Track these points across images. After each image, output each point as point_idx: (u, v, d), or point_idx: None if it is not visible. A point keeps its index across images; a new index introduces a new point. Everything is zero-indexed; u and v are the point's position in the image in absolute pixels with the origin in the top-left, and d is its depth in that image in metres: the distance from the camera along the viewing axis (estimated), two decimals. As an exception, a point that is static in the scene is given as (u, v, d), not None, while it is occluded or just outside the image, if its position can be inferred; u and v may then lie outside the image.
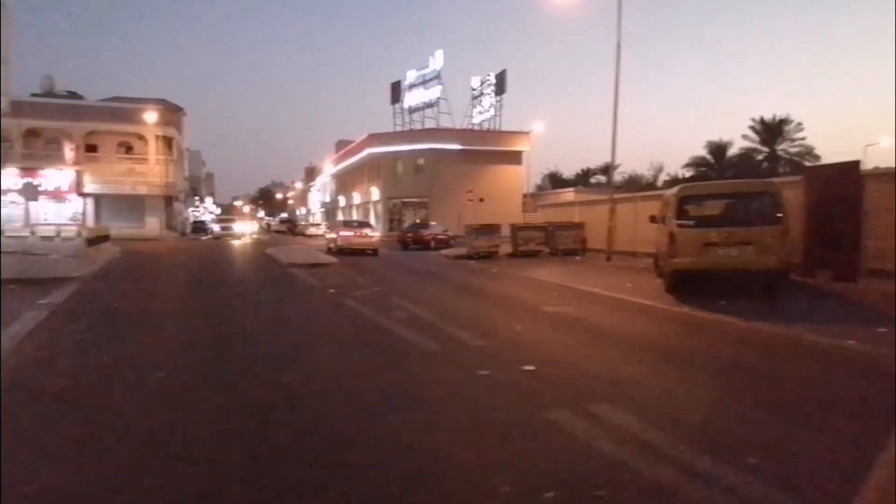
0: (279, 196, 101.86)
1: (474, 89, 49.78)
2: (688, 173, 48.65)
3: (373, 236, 24.34)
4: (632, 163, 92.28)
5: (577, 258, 20.30)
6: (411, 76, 50.68)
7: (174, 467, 3.28)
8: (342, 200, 61.25)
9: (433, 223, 30.04)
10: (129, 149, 42.34)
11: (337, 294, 10.94)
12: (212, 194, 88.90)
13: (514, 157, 46.83)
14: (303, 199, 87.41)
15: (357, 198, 55.93)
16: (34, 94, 43.74)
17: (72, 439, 3.71)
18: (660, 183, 50.41)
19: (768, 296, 9.87)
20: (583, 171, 65.89)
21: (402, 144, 47.43)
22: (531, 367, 5.49)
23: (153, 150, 41.49)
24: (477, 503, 2.94)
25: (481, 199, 37.23)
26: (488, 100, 48.09)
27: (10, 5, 23.88)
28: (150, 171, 41.42)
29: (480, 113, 49.00)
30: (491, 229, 21.81)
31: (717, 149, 48.40)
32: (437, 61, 48.34)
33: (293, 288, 12.43)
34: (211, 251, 25.54)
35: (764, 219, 10.12)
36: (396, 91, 51.90)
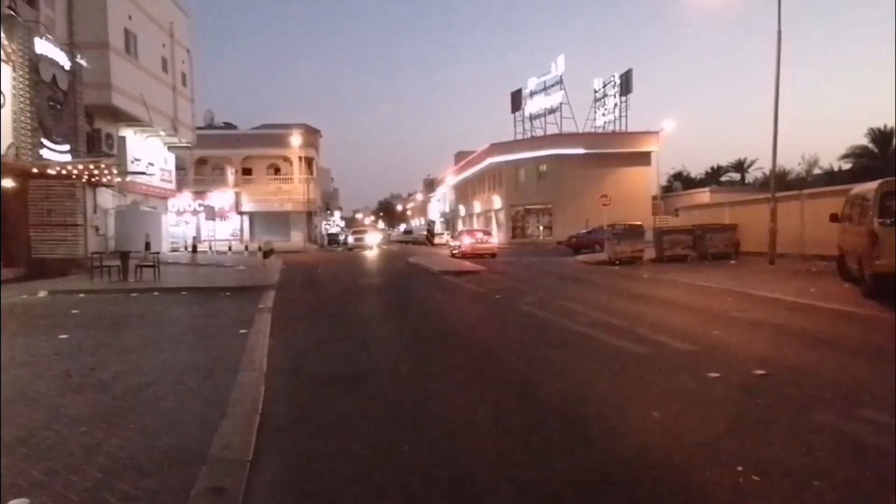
0: (399, 208, 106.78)
1: (596, 91, 48.75)
2: (846, 166, 43.47)
3: (491, 242, 27.82)
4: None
5: (732, 262, 19.10)
6: (532, 83, 50.80)
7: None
8: (462, 210, 62.76)
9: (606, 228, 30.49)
10: (277, 170, 47.06)
11: (507, 299, 11.39)
12: (340, 208, 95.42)
13: (642, 158, 45.01)
14: (422, 209, 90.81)
15: (478, 207, 57.00)
16: (199, 127, 50.37)
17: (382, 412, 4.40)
18: (811, 178, 45.58)
19: None
20: (712, 169, 61.47)
21: (524, 152, 47.62)
22: (762, 372, 5.41)
23: (297, 170, 45.75)
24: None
25: (605, 204, 36.26)
26: (612, 101, 46.80)
27: (196, 52, 27.83)
28: (294, 190, 45.69)
29: (604, 115, 47.83)
30: (634, 232, 21.20)
31: (882, 136, 42.66)
32: (558, 67, 48.03)
33: (462, 294, 13.11)
34: (358, 261, 27.53)
35: None
36: (517, 99, 52.30)
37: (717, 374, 5.34)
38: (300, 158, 45.25)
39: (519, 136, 50.99)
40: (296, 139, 42.30)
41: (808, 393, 4.80)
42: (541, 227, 47.36)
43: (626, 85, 45.52)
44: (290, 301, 12.04)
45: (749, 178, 55.85)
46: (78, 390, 4.96)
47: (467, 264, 20.14)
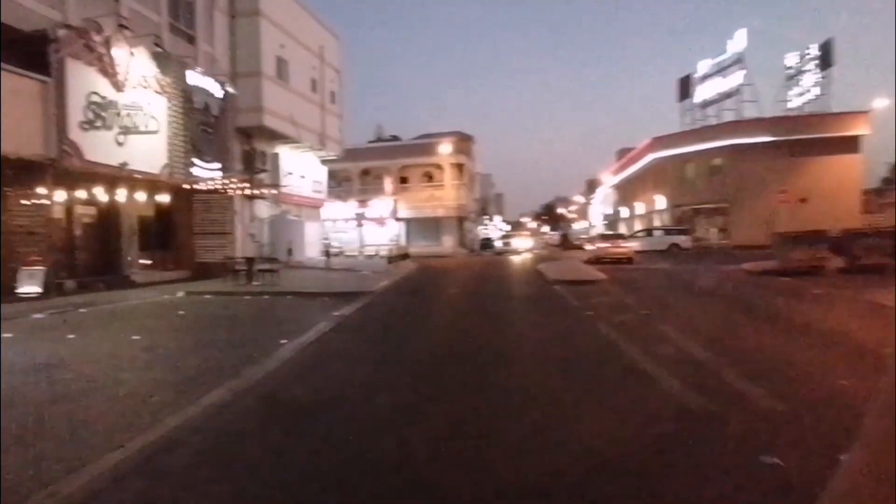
0: (561, 210, 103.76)
1: (789, 68, 41.26)
2: None
3: (626, 246, 26.33)
4: None
5: (962, 275, 14.10)
6: (703, 67, 45.07)
7: None
8: (624, 212, 58.29)
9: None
10: (430, 177, 48.83)
11: (594, 317, 9.68)
12: (500, 213, 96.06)
13: (848, 145, 36.74)
14: (584, 212, 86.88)
15: (640, 208, 52.35)
16: (370, 141, 54.73)
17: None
18: None
19: None
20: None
21: (693, 144, 42.24)
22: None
23: (448, 176, 46.90)
24: None
25: (803, 200, 30.19)
26: (811, 77, 39.12)
27: (347, 73, 30.01)
28: (446, 196, 46.88)
29: (800, 95, 40.23)
30: (814, 237, 17.06)
31: None
32: (737, 43, 41.76)
33: (550, 307, 11.64)
34: (489, 266, 26.93)
35: None
36: (685, 86, 46.89)
37: (774, 460, 3.47)
38: (451, 165, 46.28)
39: (687, 127, 45.52)
40: (445, 147, 43.33)
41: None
42: (713, 230, 41.55)
43: (826, 57, 37.69)
44: (371, 309, 11.86)
45: None
46: (52, 399, 5.07)
47: (590, 272, 18.15)
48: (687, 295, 13.36)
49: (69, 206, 14.75)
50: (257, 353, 7.07)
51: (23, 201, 12.83)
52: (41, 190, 12.61)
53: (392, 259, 21.44)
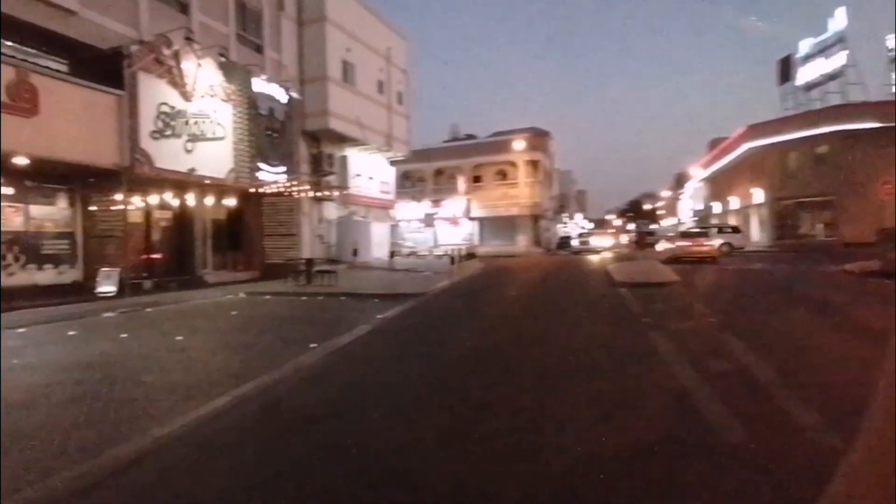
0: (648, 206, 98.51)
1: (891, 49, 36.42)
2: None
3: (709, 245, 24.41)
4: None
5: None
6: (805, 46, 40.77)
7: None
8: (716, 207, 54.06)
9: None
10: (503, 175, 48.05)
11: (651, 324, 8.73)
12: (582, 210, 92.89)
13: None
14: (672, 208, 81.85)
15: (735, 202, 48.27)
16: (445, 141, 54.90)
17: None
18: None
19: None
20: None
21: (795, 131, 38.19)
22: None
23: (522, 173, 45.88)
24: None
25: (890, 193, 26.22)
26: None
27: (412, 73, 30.15)
28: (520, 194, 45.89)
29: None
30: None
31: None
32: (837, 22, 37.45)
33: (605, 312, 10.73)
34: (559, 266, 25.82)
35: None
36: (786, 68, 42.63)
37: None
38: (525, 162, 45.24)
39: (788, 112, 41.30)
40: (519, 144, 42.38)
41: None
42: (819, 225, 37.41)
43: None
44: (416, 311, 11.56)
45: None
46: (61, 397, 5.19)
47: (664, 273, 16.71)
48: (767, 300, 11.85)
49: (147, 211, 15.79)
50: (281, 358, 6.95)
51: (111, 207, 13.89)
52: (118, 197, 13.54)
53: (455, 259, 21.06)
